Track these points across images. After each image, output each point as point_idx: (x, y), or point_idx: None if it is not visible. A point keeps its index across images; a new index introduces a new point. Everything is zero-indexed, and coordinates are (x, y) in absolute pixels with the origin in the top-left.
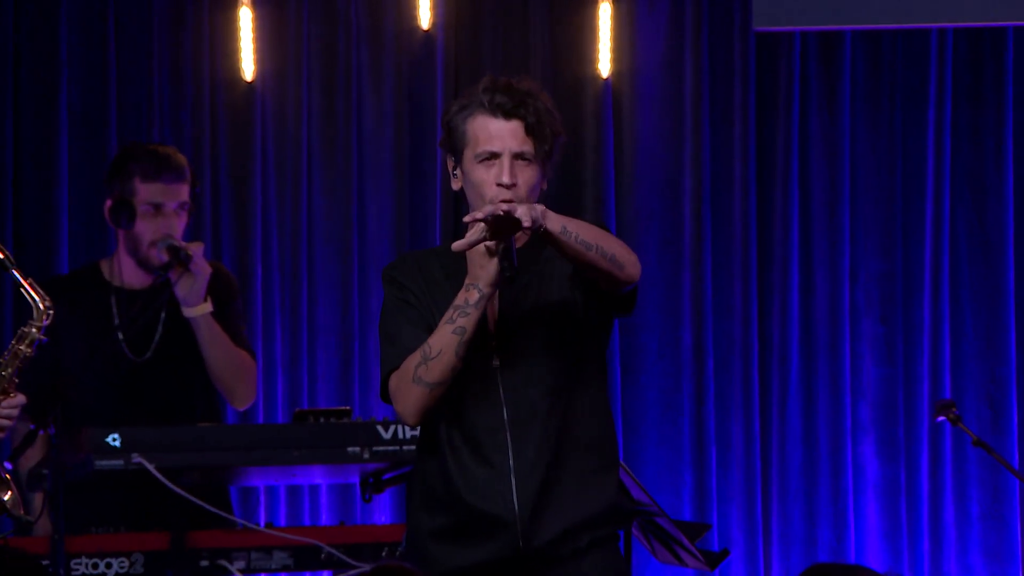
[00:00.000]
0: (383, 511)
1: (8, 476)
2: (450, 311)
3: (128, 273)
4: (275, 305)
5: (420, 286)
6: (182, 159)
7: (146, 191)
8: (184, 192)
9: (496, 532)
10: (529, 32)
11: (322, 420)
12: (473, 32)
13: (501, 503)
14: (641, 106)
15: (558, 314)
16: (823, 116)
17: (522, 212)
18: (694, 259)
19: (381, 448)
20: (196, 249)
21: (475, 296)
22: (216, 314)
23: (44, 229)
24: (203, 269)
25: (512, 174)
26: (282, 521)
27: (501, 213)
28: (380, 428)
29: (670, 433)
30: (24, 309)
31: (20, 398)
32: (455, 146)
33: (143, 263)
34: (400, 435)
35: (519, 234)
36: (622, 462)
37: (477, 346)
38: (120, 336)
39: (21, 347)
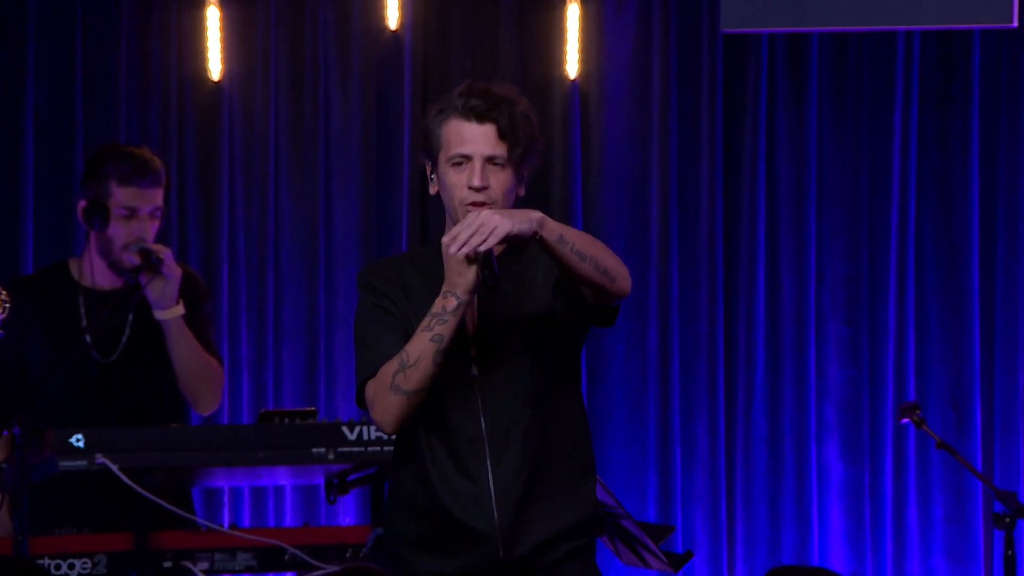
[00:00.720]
0: (348, 512)
1: None
2: (427, 318)
3: (99, 274)
4: (241, 305)
5: (397, 291)
6: (159, 163)
7: (121, 194)
8: (159, 197)
9: (476, 543)
10: (497, 33)
11: (287, 421)
12: (441, 33)
13: (480, 515)
14: (609, 107)
15: (538, 323)
16: (790, 118)
17: (519, 220)
18: (661, 259)
19: (346, 449)
20: (166, 252)
21: (453, 303)
22: (185, 317)
23: (9, 229)
24: (174, 272)
25: (483, 177)
26: (246, 522)
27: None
28: (345, 429)
29: (636, 434)
30: None
31: None
32: (431, 150)
33: (115, 266)
34: (365, 436)
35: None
36: None
37: (456, 354)
38: (87, 337)
39: None
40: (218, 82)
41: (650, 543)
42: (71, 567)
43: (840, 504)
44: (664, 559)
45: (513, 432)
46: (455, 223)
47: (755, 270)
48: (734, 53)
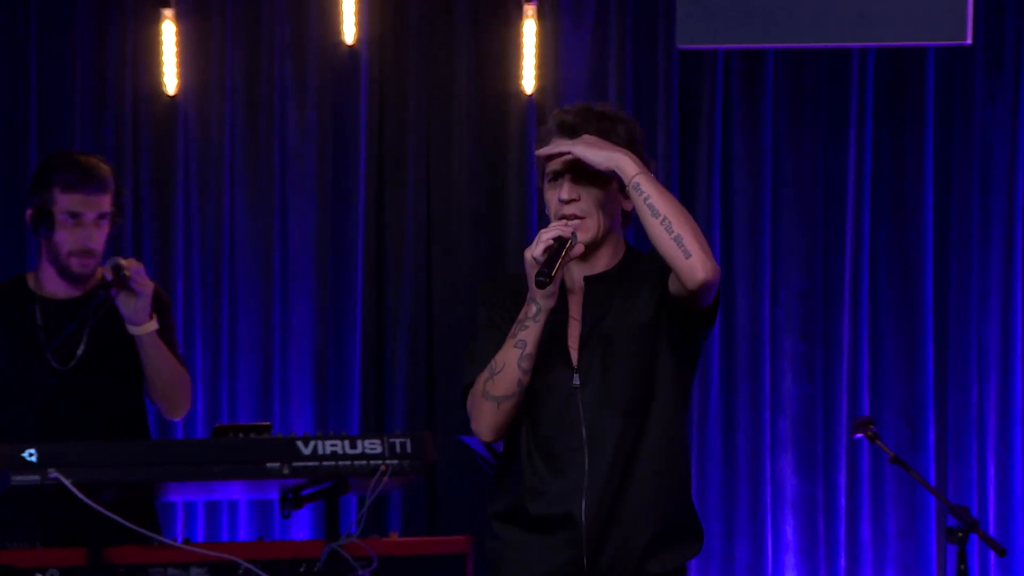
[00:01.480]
0: (302, 527)
1: None
2: (514, 325)
3: (50, 283)
4: (196, 319)
5: (507, 305)
6: (105, 170)
7: (65, 201)
8: (105, 203)
9: (562, 550)
10: (453, 49)
11: (242, 435)
12: (397, 48)
13: (569, 523)
14: None
15: (640, 335)
16: (745, 133)
17: (593, 152)
18: None
19: (301, 464)
20: (137, 268)
21: (532, 309)
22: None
23: None
24: (145, 287)
25: (572, 191)
26: (200, 536)
27: (552, 241)
28: (300, 444)
29: None
30: None
31: None
32: (540, 173)
33: (63, 272)
34: (320, 451)
35: (594, 250)
36: None
37: (559, 365)
38: (44, 346)
39: None
40: (173, 97)
41: None
42: None
43: (794, 519)
44: None
45: (608, 443)
46: None
47: None
48: (690, 69)
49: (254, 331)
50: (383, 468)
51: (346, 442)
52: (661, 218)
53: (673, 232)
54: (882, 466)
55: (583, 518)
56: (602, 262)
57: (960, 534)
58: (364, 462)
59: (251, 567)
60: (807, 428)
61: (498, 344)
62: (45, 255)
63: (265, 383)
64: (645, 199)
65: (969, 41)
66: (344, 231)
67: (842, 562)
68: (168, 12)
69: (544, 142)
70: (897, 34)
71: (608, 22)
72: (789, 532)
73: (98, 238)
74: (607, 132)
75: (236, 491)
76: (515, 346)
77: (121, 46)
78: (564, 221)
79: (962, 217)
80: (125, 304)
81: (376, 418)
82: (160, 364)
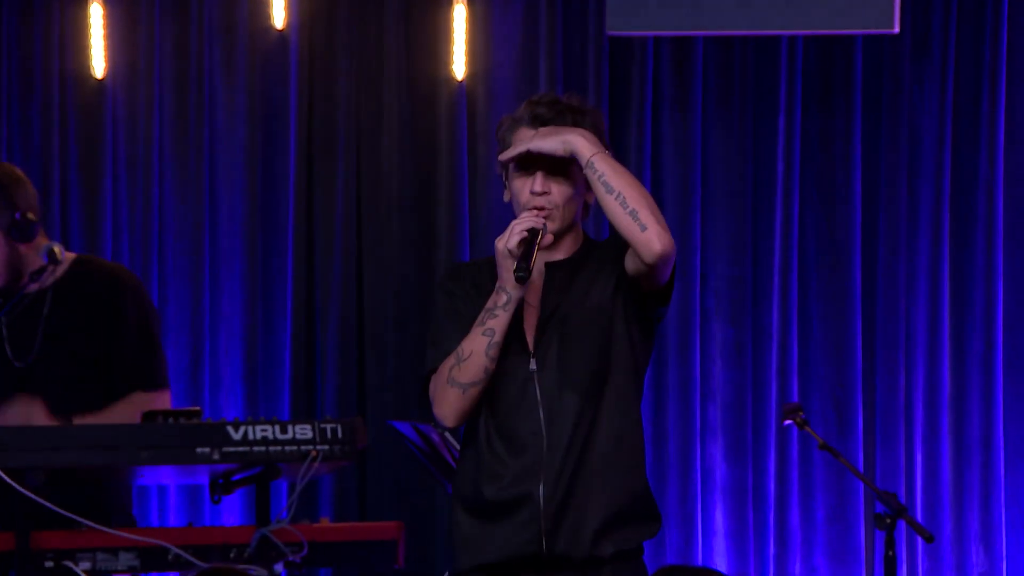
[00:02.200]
0: (232, 512)
1: None
2: (482, 314)
3: None
4: None
5: (469, 292)
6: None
7: None
8: None
9: (519, 530)
10: (384, 33)
11: (171, 420)
12: (327, 32)
13: (527, 504)
14: (495, 107)
15: (596, 318)
16: (675, 120)
17: (549, 140)
18: None
19: (231, 449)
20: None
21: (503, 299)
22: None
23: None
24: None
25: (544, 183)
26: None
27: (526, 233)
28: (230, 429)
29: None
30: None
31: None
32: (502, 164)
33: None
34: (251, 436)
35: (557, 240)
36: None
37: (515, 351)
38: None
39: None
40: (101, 80)
41: None
42: None
43: (724, 504)
44: None
45: (566, 425)
46: None
47: None
48: (620, 55)
49: (183, 315)
50: (314, 454)
51: (277, 427)
52: (616, 194)
53: (628, 207)
54: (811, 452)
55: (541, 498)
56: (562, 250)
57: (888, 520)
58: (295, 447)
59: (181, 552)
60: (737, 414)
61: (459, 330)
62: None
63: (195, 367)
64: (600, 177)
65: (897, 29)
66: (274, 214)
67: (771, 548)
68: None
69: (510, 132)
70: (825, 22)
71: (538, 8)
72: (719, 518)
73: None
74: (577, 125)
75: (166, 476)
76: (483, 334)
77: (48, 28)
78: (535, 211)
79: (890, 203)
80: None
81: (307, 403)
82: None
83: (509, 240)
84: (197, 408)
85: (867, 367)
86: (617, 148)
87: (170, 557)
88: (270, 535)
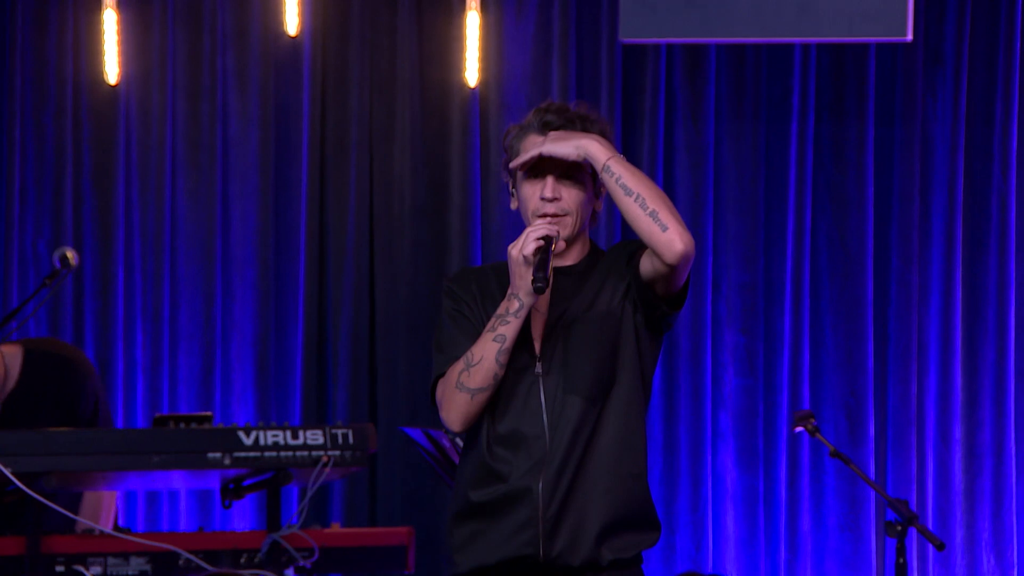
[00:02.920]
0: (243, 517)
1: None
2: (492, 319)
3: None
4: (136, 309)
5: (475, 297)
6: None
7: None
8: None
9: (518, 532)
10: (397, 40)
11: (182, 425)
12: (341, 40)
13: (526, 506)
14: (507, 115)
15: (603, 324)
16: (688, 127)
17: (561, 144)
18: None
19: (242, 454)
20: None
21: (515, 305)
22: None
23: None
24: None
25: (555, 189)
26: (140, 527)
27: (542, 241)
28: (241, 434)
29: None
30: None
31: None
32: (509, 170)
33: None
34: (262, 442)
35: (567, 246)
36: None
37: (522, 354)
38: None
39: None
40: (115, 86)
41: None
42: None
43: (735, 511)
44: None
45: (568, 428)
46: None
47: None
48: (633, 63)
49: (195, 321)
50: (325, 459)
51: (288, 433)
52: (635, 196)
53: (648, 208)
54: (822, 459)
55: (540, 500)
56: (571, 257)
57: (899, 528)
58: (306, 453)
59: (191, 557)
60: (748, 421)
61: (466, 335)
62: None
63: (206, 373)
64: (617, 180)
65: (910, 37)
66: (286, 221)
67: (782, 554)
68: (109, 0)
69: (519, 140)
70: (838, 30)
71: (551, 15)
72: (730, 524)
73: None
74: (587, 132)
75: (177, 481)
76: (494, 340)
77: (61, 35)
78: (547, 219)
79: (902, 211)
80: None
81: (318, 408)
82: None
83: (524, 247)
84: (208, 413)
85: (879, 375)
86: (629, 155)
87: (181, 562)
88: (281, 540)
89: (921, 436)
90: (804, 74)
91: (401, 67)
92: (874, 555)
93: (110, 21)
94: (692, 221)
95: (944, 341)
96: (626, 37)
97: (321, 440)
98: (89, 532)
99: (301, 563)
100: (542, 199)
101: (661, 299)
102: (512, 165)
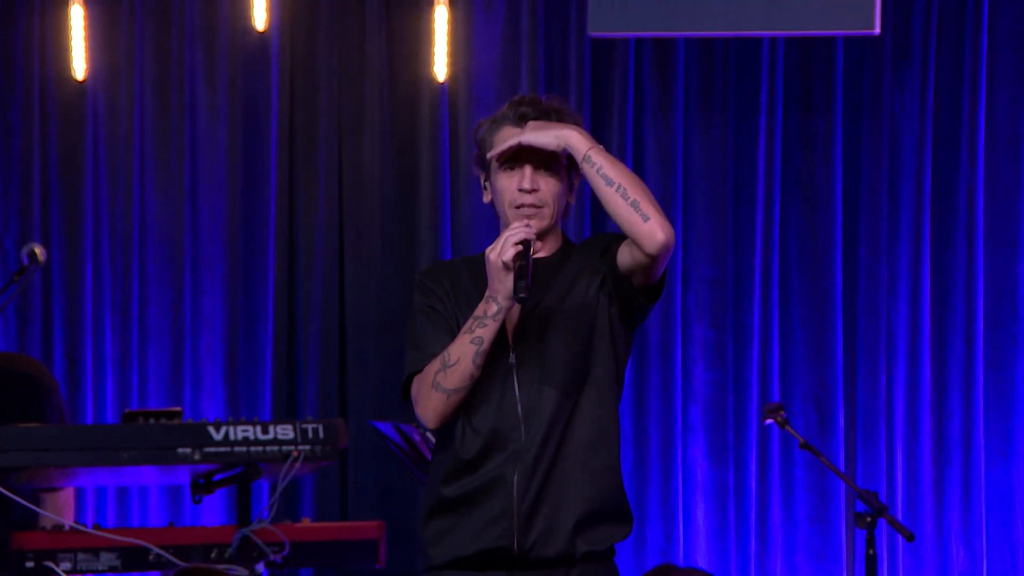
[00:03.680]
0: (213, 512)
1: None
2: (470, 321)
3: None
4: (105, 304)
5: (447, 292)
6: None
7: None
8: None
9: (492, 524)
10: (365, 35)
11: (152, 421)
12: (309, 35)
13: (500, 499)
14: (477, 110)
15: (577, 316)
16: (656, 122)
17: (541, 134)
18: None
19: (212, 449)
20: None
21: (493, 308)
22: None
23: None
24: None
25: (533, 181)
26: (110, 522)
27: (520, 246)
28: (211, 429)
29: None
30: None
31: None
32: (484, 159)
33: None
34: (231, 437)
35: (540, 238)
36: None
37: (496, 345)
38: None
39: None
40: (82, 81)
41: None
42: None
43: (705, 504)
44: None
45: (543, 420)
46: (506, 227)
47: None
48: (601, 57)
49: (165, 316)
50: (295, 454)
51: (258, 428)
52: (616, 186)
53: (629, 198)
54: (792, 452)
55: (515, 491)
56: (544, 249)
57: (869, 519)
58: (276, 448)
59: (162, 552)
60: (718, 414)
61: (440, 331)
62: None
63: (176, 368)
64: (598, 170)
65: (877, 31)
66: (255, 216)
67: (753, 546)
68: None
69: (492, 133)
70: (807, 24)
71: (520, 9)
72: (700, 517)
73: None
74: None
75: (147, 477)
76: (471, 342)
77: (29, 30)
78: (524, 221)
79: (871, 205)
80: None
81: (288, 403)
82: None
83: (503, 253)
84: (178, 408)
85: (848, 367)
86: None
87: (151, 557)
88: (251, 535)
89: (890, 428)
90: (772, 68)
91: (370, 62)
92: (844, 546)
93: (77, 17)
94: None
95: (912, 333)
96: (595, 31)
97: (291, 435)
98: (59, 528)
99: (272, 557)
100: (520, 190)
101: (638, 291)
102: (490, 155)
